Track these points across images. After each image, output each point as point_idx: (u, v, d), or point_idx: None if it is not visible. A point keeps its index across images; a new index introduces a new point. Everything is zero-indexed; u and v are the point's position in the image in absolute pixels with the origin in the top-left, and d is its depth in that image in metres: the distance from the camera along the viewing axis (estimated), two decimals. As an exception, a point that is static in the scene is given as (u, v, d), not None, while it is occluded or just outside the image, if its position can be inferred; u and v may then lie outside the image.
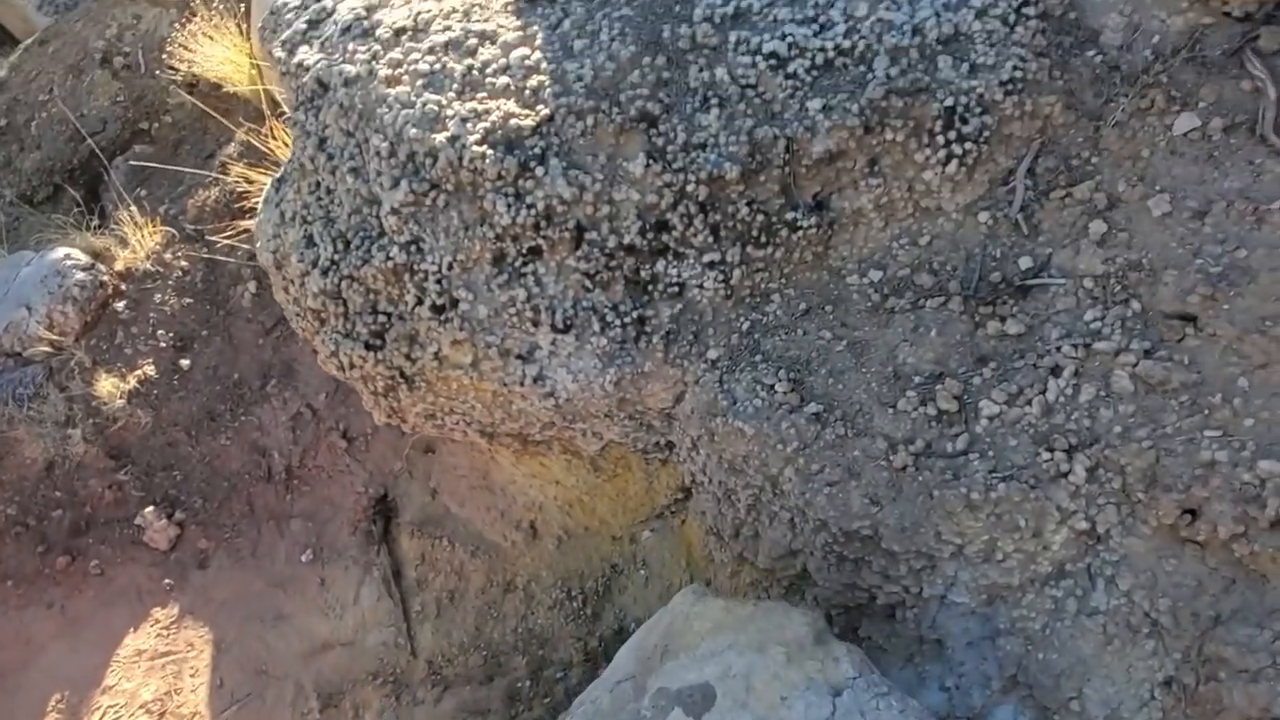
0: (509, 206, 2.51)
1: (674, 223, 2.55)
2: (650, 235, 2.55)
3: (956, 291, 2.44)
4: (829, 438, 2.31)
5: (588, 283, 2.59)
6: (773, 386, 2.44)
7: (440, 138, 2.55)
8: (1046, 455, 2.11)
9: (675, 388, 2.66)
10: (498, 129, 2.54)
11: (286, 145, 3.98)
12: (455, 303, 2.63)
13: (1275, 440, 1.92)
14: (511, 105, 2.59)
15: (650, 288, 2.61)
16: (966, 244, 2.54)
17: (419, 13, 2.90)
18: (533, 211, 2.52)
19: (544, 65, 2.65)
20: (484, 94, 2.64)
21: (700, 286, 2.60)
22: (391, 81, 2.75)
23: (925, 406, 2.27)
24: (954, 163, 2.51)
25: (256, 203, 4.09)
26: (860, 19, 2.58)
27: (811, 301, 2.61)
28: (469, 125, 2.56)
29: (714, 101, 2.56)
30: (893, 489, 2.22)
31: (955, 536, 2.14)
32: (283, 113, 4.04)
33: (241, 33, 4.88)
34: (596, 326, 2.61)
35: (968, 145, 2.49)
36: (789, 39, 2.59)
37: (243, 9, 4.91)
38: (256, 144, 4.35)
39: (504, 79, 2.65)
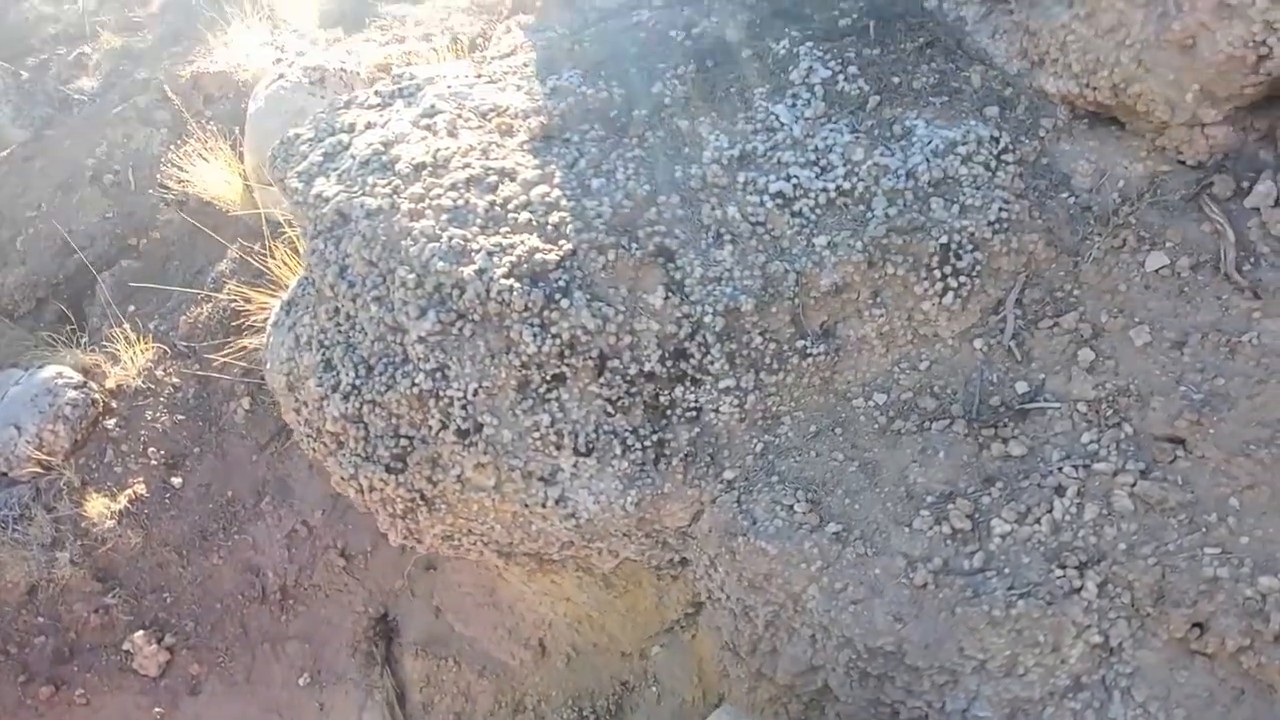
0: (535, 336, 2.63)
1: (692, 351, 2.69)
2: (669, 363, 2.69)
3: (959, 414, 2.60)
4: (850, 556, 2.42)
5: (609, 408, 2.70)
6: (792, 507, 2.55)
7: (468, 270, 2.68)
8: (1059, 572, 2.24)
9: (692, 507, 2.75)
10: (523, 263, 2.68)
11: (288, 267, 4.09)
12: (480, 427, 2.72)
13: (1271, 557, 2.09)
14: (535, 240, 2.74)
15: (669, 412, 2.73)
16: (964, 369, 2.72)
17: (437, 150, 3.07)
18: (558, 341, 2.64)
19: (564, 202, 2.82)
20: (507, 229, 2.79)
21: (716, 411, 2.73)
22: (415, 215, 2.89)
23: (940, 525, 2.40)
24: (950, 294, 2.71)
25: (253, 321, 4.16)
26: (858, 163, 2.82)
27: (821, 424, 2.76)
28: (495, 259, 2.70)
29: (727, 238, 2.74)
30: (915, 606, 2.32)
31: (978, 652, 2.24)
32: (284, 234, 4.15)
33: (236, 154, 5.02)
34: (618, 450, 2.71)
35: (962, 279, 2.70)
36: (794, 180, 2.80)
37: (237, 131, 5.07)
38: (252, 262, 4.44)
39: (526, 214, 2.81)
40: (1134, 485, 2.30)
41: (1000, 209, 2.72)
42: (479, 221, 2.82)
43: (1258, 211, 2.58)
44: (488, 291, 2.65)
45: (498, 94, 3.35)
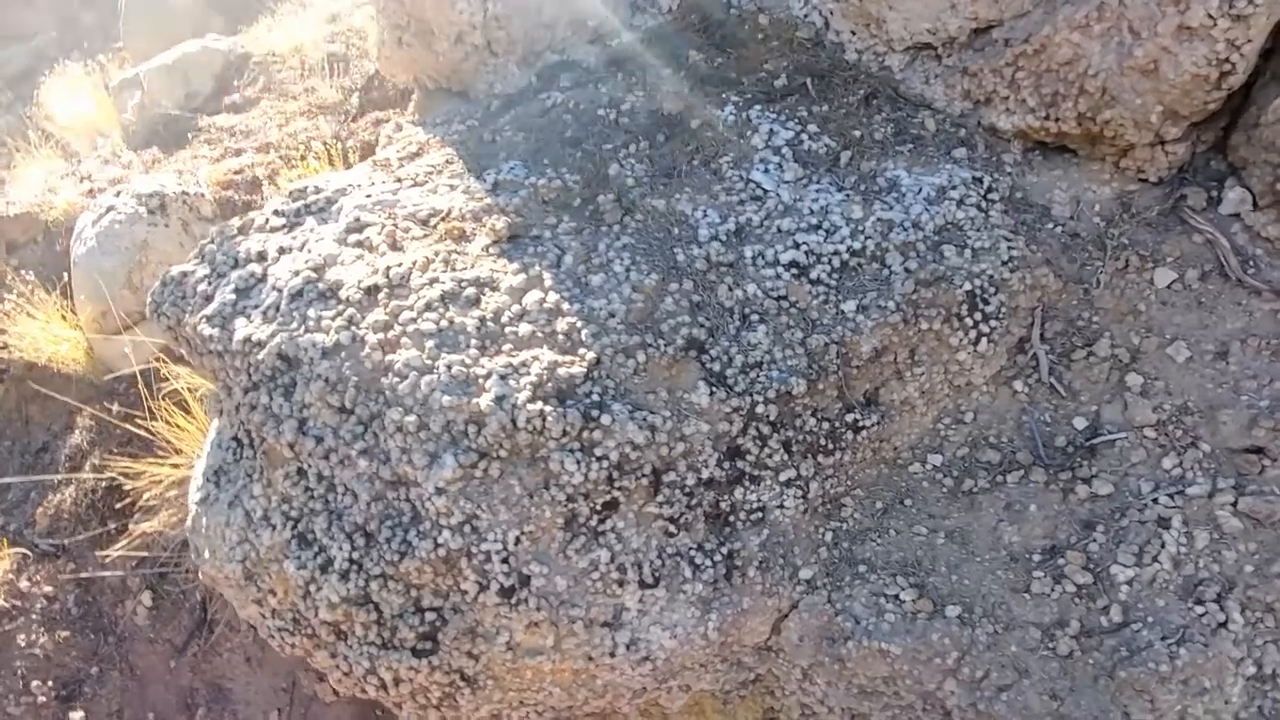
0: (579, 463, 2.28)
1: (747, 447, 2.43)
2: (726, 464, 2.41)
3: (1029, 462, 2.50)
4: (983, 639, 2.22)
5: (671, 527, 2.38)
6: (898, 596, 2.33)
7: (484, 401, 2.29)
8: (1199, 609, 2.15)
9: (771, 617, 2.47)
10: (546, 381, 2.33)
11: (179, 428, 3.45)
12: (526, 580, 2.31)
13: (1402, 550, 2.10)
14: (550, 353, 2.40)
15: (731, 519, 2.45)
16: (1008, 414, 2.63)
17: (387, 268, 2.66)
18: (605, 464, 2.30)
19: (566, 305, 2.50)
20: (510, 345, 2.44)
21: (781, 507, 2.47)
22: (389, 346, 2.47)
23: (1060, 585, 2.26)
24: (983, 340, 2.62)
25: (144, 500, 3.46)
26: (860, 220, 2.70)
27: (885, 498, 2.57)
28: (512, 382, 2.33)
29: (755, 318, 2.53)
30: (1067, 678, 2.15)
31: (1148, 713, 2.09)
32: (170, 392, 3.51)
33: (66, 305, 4.26)
34: (687, 572, 2.39)
35: (992, 323, 2.63)
36: (803, 247, 2.64)
37: (66, 277, 4.31)
38: (119, 427, 3.73)
39: (526, 326, 2.46)
40: (1235, 503, 2.27)
41: (1008, 247, 2.69)
42: (474, 342, 2.44)
43: (1238, 217, 2.69)
44: (514, 421, 2.27)
45: (431, 197, 2.99)
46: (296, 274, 2.73)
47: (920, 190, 2.77)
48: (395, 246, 2.80)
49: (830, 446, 2.52)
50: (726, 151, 2.97)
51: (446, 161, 3.20)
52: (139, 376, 3.66)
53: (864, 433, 2.54)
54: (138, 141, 5.36)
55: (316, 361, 2.51)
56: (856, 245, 2.65)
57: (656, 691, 2.51)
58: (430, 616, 2.35)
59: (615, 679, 2.42)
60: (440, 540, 2.29)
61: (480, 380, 2.35)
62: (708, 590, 2.39)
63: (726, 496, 2.43)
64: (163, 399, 3.58)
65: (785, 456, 2.45)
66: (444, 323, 2.49)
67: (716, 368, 2.44)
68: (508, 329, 2.47)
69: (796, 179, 2.85)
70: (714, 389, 2.41)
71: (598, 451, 2.30)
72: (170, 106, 5.47)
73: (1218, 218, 2.72)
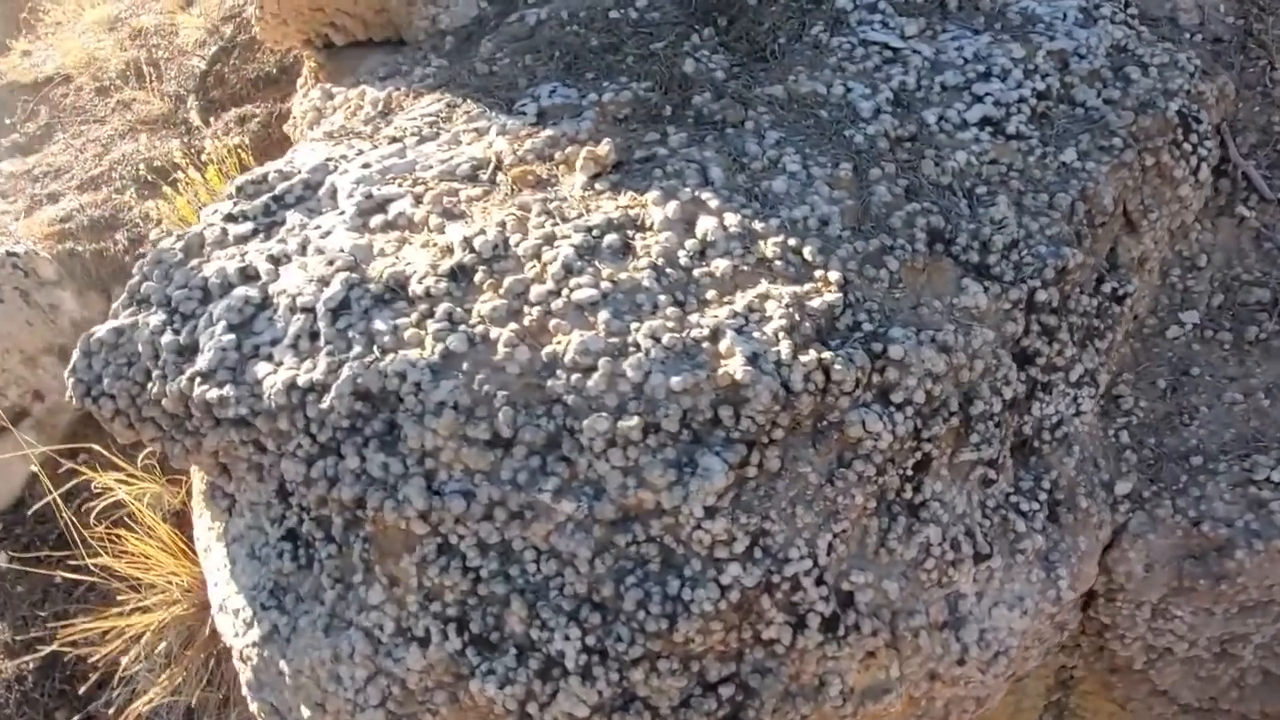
0: (882, 418, 1.64)
1: (1036, 348, 1.88)
2: (1021, 374, 1.85)
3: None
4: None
5: (990, 473, 1.79)
6: (1269, 479, 1.87)
7: (733, 368, 1.59)
8: None
9: (1097, 553, 1.95)
10: (800, 321, 1.66)
11: (152, 555, 2.45)
12: (850, 598, 1.64)
13: None
14: (778, 287, 1.73)
15: (1036, 444, 1.89)
16: (1243, 245, 2.25)
17: (466, 240, 1.89)
18: (909, 410, 1.67)
19: (758, 225, 1.84)
20: (714, 291, 1.75)
21: (1078, 414, 1.95)
22: (536, 335, 1.72)
23: None
24: (1202, 167, 2.21)
25: (123, 669, 2.44)
26: (1027, 58, 2.21)
27: (1161, 376, 2.11)
28: (756, 334, 1.64)
29: (981, 190, 1.97)
30: None
31: None
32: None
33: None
34: (1019, 525, 1.81)
35: (1207, 144, 2.22)
36: (987, 98, 2.11)
37: None
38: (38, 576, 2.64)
39: (722, 262, 1.78)
40: None
41: (1186, 59, 2.29)
42: (662, 299, 1.73)
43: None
44: (787, 385, 1.59)
45: (459, 149, 2.21)
46: (324, 282, 1.89)
47: (1065, 16, 2.32)
48: (454, 215, 2.01)
49: (1100, 327, 2.02)
50: (813, 22, 2.38)
51: (448, 106, 2.41)
52: (56, 502, 2.57)
53: (1126, 302, 2.06)
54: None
55: (426, 388, 1.70)
56: (1040, 86, 2.15)
57: (999, 694, 1.92)
58: (727, 693, 1.62)
59: (959, 693, 1.81)
60: (726, 580, 1.57)
61: (706, 344, 1.65)
62: (1044, 541, 1.83)
63: (1026, 417, 1.88)
64: (93, 523, 2.54)
65: (1074, 350, 1.92)
66: (604, 284, 1.75)
67: (974, 258, 1.86)
68: (697, 271, 1.78)
69: (920, 32, 2.31)
70: (985, 284, 1.83)
71: (896, 397, 1.66)
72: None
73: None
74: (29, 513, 3.00)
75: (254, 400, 1.83)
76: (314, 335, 1.86)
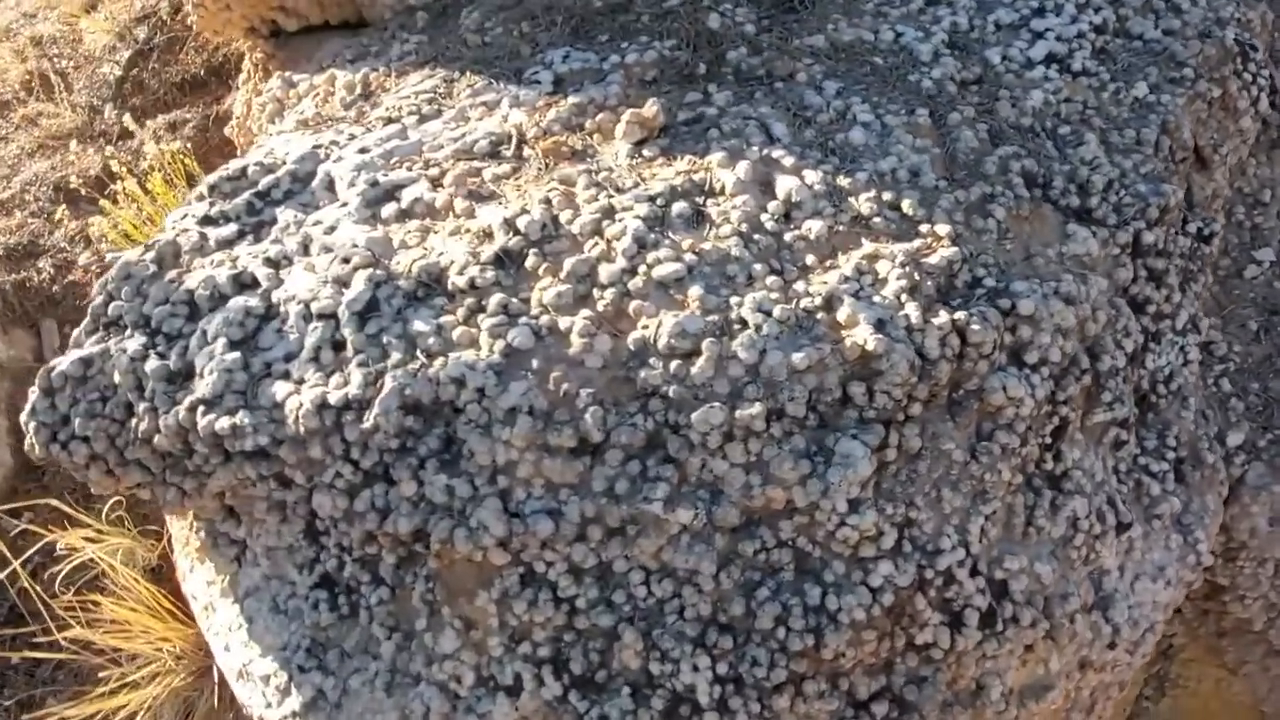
0: (1021, 381, 1.45)
1: (1146, 294, 1.73)
2: (1137, 325, 1.70)
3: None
4: None
5: (1121, 434, 1.63)
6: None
7: (862, 338, 1.39)
8: None
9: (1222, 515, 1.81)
10: (921, 280, 1.47)
11: (136, 623, 2.12)
12: (1004, 587, 1.45)
13: None
14: (886, 245, 1.53)
15: (1152, 400, 1.74)
16: (1300, 177, 2.16)
17: (507, 221, 1.64)
18: (1045, 370, 1.49)
19: (844, 181, 1.64)
20: (813, 255, 1.54)
21: (1186, 364, 1.81)
22: (614, 321, 1.49)
23: None
24: (1262, 97, 2.11)
25: None
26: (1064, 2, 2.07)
27: (1248, 319, 2.00)
28: (876, 298, 1.44)
29: (1065, 130, 1.81)
30: None
31: None
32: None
33: None
34: (1153, 489, 1.66)
35: (1264, 73, 2.12)
36: (1049, 35, 1.96)
37: None
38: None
39: (814, 223, 1.57)
40: None
41: (1227, -16, 2.19)
42: (757, 268, 1.51)
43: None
44: (921, 352, 1.39)
45: (469, 125, 1.97)
46: (343, 282, 1.62)
47: (1103, -53, 2.19)
48: (482, 197, 1.76)
49: (1194, 269, 1.89)
50: (838, -30, 2.20)
51: (444, 81, 2.16)
52: (16, 571, 2.18)
53: (1213, 241, 1.93)
54: None
55: (492, 393, 1.45)
56: (1096, 20, 2.01)
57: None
58: (881, 711, 1.41)
59: (1105, 679, 1.64)
60: (877, 582, 1.36)
61: (821, 314, 1.44)
62: (1177, 503, 1.67)
63: (1141, 371, 1.72)
64: (58, 591, 2.18)
65: (1180, 296, 1.78)
66: (688, 256, 1.53)
67: (1074, 202, 1.70)
68: (788, 236, 1.56)
69: (957, -29, 2.15)
70: (1091, 229, 1.67)
71: (1029, 357, 1.49)
72: None
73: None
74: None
75: (274, 427, 1.55)
76: (338, 345, 1.59)
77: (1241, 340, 1.94)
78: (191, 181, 2.92)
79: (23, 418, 1.81)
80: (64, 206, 3.33)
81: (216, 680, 2.12)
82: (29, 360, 3.15)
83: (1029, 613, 1.44)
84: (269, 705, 1.70)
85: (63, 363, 1.77)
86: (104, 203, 2.80)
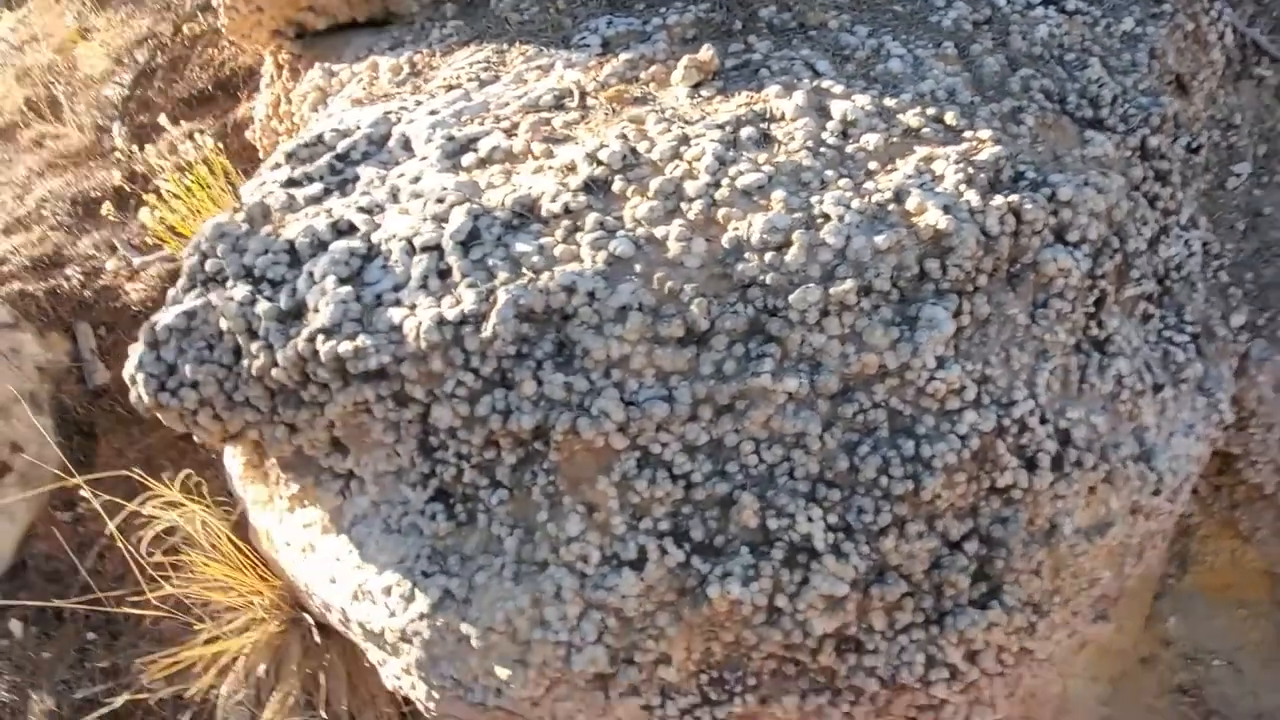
0: (1069, 254, 1.66)
1: (1156, 192, 1.96)
2: (1153, 215, 1.93)
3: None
4: None
5: (1150, 307, 1.85)
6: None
7: (935, 220, 1.58)
8: None
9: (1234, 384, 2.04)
10: (976, 173, 1.67)
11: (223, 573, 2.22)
12: (1068, 435, 1.65)
13: None
14: (939, 149, 1.74)
15: (1167, 284, 1.96)
16: (1268, 102, 2.44)
17: (590, 155, 1.82)
18: (1085, 248, 1.70)
19: (890, 102, 1.86)
20: (875, 162, 1.74)
21: (1190, 255, 2.03)
22: (707, 227, 1.66)
23: None
24: (1228, 32, 2.38)
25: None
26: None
27: (1236, 220, 2.25)
28: (939, 188, 1.64)
29: (1071, 57, 2.05)
30: None
31: None
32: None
33: None
34: (1179, 356, 1.87)
35: (1226, 11, 2.39)
36: (1044, -19, 2.21)
37: None
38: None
39: (871, 136, 1.78)
40: None
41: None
42: (829, 174, 1.71)
43: None
44: (984, 230, 1.59)
45: (529, 85, 2.15)
46: (441, 219, 1.78)
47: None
48: (557, 140, 1.94)
49: (1189, 175, 2.13)
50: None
51: (495, 53, 2.33)
52: (109, 537, 2.25)
53: (1201, 153, 2.18)
54: None
55: (602, 295, 1.62)
56: (1082, -33, 2.26)
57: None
58: (973, 549, 1.59)
59: (1151, 528, 1.84)
60: (964, 430, 1.55)
61: (892, 206, 1.63)
62: (1200, 367, 1.90)
63: (1156, 258, 1.95)
64: (144, 555, 2.25)
65: (1180, 194, 2.02)
66: (765, 169, 1.72)
67: (1088, 113, 1.93)
68: (850, 148, 1.76)
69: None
70: (1106, 134, 1.90)
71: (1071, 236, 1.70)
72: None
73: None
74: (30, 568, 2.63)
75: (394, 346, 1.69)
76: (443, 273, 1.74)
77: (1232, 239, 2.19)
78: (229, 178, 3.03)
79: (127, 372, 1.91)
80: (79, 220, 3.41)
81: (310, 626, 2.21)
82: (66, 362, 3.21)
83: (1090, 457, 1.64)
84: (392, 614, 1.81)
85: (166, 316, 1.89)
86: (149, 198, 2.90)
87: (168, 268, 3.18)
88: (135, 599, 2.20)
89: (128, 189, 3.48)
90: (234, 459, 2.22)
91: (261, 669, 2.14)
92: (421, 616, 1.76)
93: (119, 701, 2.14)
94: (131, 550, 2.16)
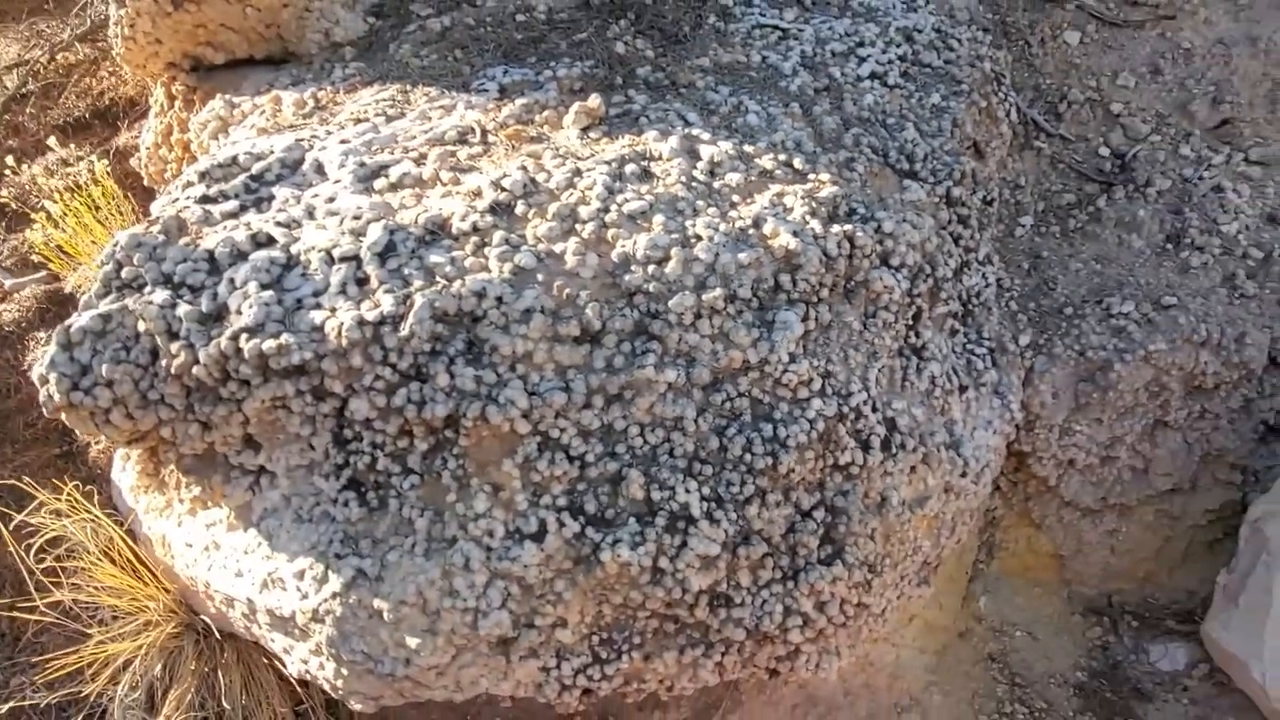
0: (892, 275, 2.04)
1: (959, 232, 2.40)
2: (958, 252, 2.35)
3: (1098, 192, 2.86)
4: (1216, 309, 2.51)
5: (955, 323, 2.25)
6: (1123, 312, 2.51)
7: (786, 242, 1.93)
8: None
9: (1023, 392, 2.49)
10: (818, 207, 2.04)
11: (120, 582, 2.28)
12: (893, 423, 2.01)
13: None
14: (790, 186, 2.10)
15: (970, 305, 2.39)
16: (1043, 168, 2.98)
17: (495, 182, 2.09)
18: (904, 272, 2.09)
19: (749, 148, 2.21)
20: (738, 195, 2.08)
21: (987, 285, 2.48)
22: (597, 245, 1.95)
23: (1202, 252, 2.64)
24: (1012, 111, 2.90)
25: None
26: (880, 33, 2.79)
27: (1020, 260, 2.73)
28: (790, 218, 2.00)
29: (892, 120, 2.48)
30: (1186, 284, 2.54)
31: None
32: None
33: None
34: (979, 364, 2.29)
35: (1011, 94, 2.92)
36: (868, 61, 2.66)
37: None
38: None
39: (734, 175, 2.13)
40: (1246, 158, 2.87)
41: (983, 35, 3.01)
42: (700, 203, 2.04)
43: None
44: (826, 251, 1.95)
45: (433, 122, 2.41)
46: (359, 233, 2.00)
47: (895, 6, 2.95)
48: (463, 169, 2.19)
49: (985, 222, 2.60)
50: (706, 13, 2.84)
51: (400, 93, 2.58)
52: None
53: (993, 205, 2.66)
54: None
55: (509, 299, 1.88)
56: (899, 52, 2.74)
57: (979, 509, 2.36)
58: (820, 516, 1.91)
59: (961, 506, 2.23)
60: (812, 415, 1.88)
61: (752, 230, 1.97)
62: (995, 374, 2.32)
63: (960, 286, 2.38)
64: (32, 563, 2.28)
65: (978, 235, 2.47)
66: (647, 198, 2.03)
67: (905, 166, 2.36)
68: (717, 184, 2.10)
69: (796, 17, 2.84)
70: (919, 184, 2.33)
71: (894, 261, 2.09)
72: None
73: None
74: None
75: (316, 344, 1.87)
76: (361, 281, 1.94)
77: (1019, 276, 2.67)
78: (115, 201, 3.09)
79: (38, 373, 2.00)
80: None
81: (205, 629, 2.28)
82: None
83: (912, 441, 2.00)
84: (305, 597, 1.94)
85: (81, 319, 1.99)
86: (37, 218, 2.92)
87: (44, 289, 3.17)
88: (24, 605, 2.21)
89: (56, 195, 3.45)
90: (125, 472, 2.29)
91: (157, 670, 2.19)
92: (334, 595, 1.91)
93: (3, 709, 2.13)
94: (21, 556, 2.17)
